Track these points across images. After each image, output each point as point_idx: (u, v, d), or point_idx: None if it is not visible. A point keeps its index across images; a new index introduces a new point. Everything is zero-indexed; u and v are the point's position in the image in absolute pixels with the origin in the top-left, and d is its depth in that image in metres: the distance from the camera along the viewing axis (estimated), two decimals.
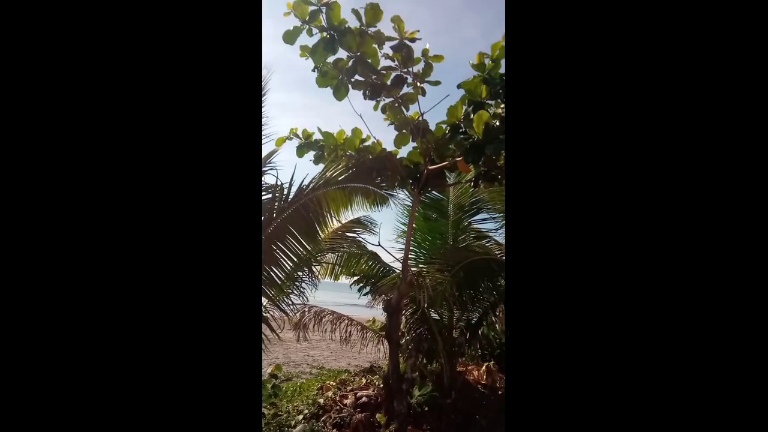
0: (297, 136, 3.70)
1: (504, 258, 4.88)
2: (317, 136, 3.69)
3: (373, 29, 2.62)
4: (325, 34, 2.60)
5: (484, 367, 4.93)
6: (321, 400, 3.97)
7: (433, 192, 4.48)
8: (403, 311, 4.09)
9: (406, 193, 4.25)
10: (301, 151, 3.73)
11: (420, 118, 3.28)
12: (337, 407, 4.01)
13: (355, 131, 3.62)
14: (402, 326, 4.28)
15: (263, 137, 3.39)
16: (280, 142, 3.58)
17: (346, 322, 4.31)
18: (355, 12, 2.54)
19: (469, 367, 5.05)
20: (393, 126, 3.38)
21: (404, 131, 3.39)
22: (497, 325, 4.90)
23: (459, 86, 2.97)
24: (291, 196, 3.32)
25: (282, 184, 3.34)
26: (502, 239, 5.40)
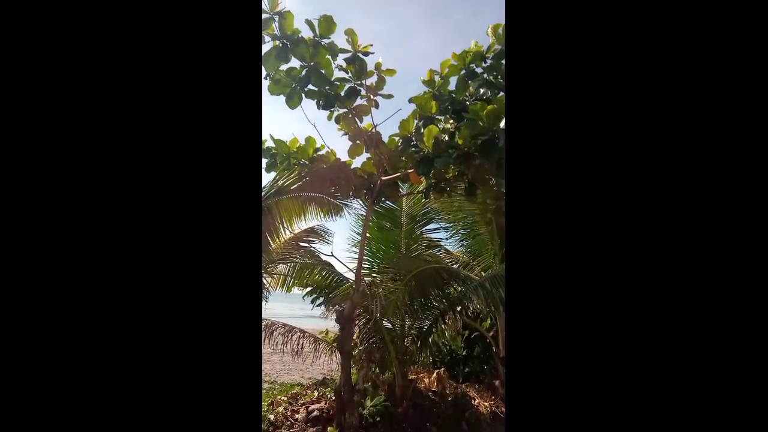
0: None
1: (453, 266, 5.04)
2: (269, 143, 3.63)
3: (326, 41, 2.64)
4: (277, 42, 2.59)
5: (435, 374, 5.02)
6: (271, 416, 3.83)
7: (387, 202, 4.54)
8: (356, 321, 4.07)
9: (360, 202, 4.27)
10: None
11: (373, 130, 3.33)
12: (288, 422, 3.89)
13: (309, 140, 3.60)
14: (355, 336, 4.26)
15: None
16: None
17: (298, 334, 4.22)
18: (309, 23, 2.55)
19: (420, 375, 5.11)
20: (347, 136, 3.40)
21: (358, 142, 3.42)
22: (446, 332, 5.01)
23: (410, 101, 3.07)
24: None
25: None
26: (452, 248, 5.57)
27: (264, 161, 3.68)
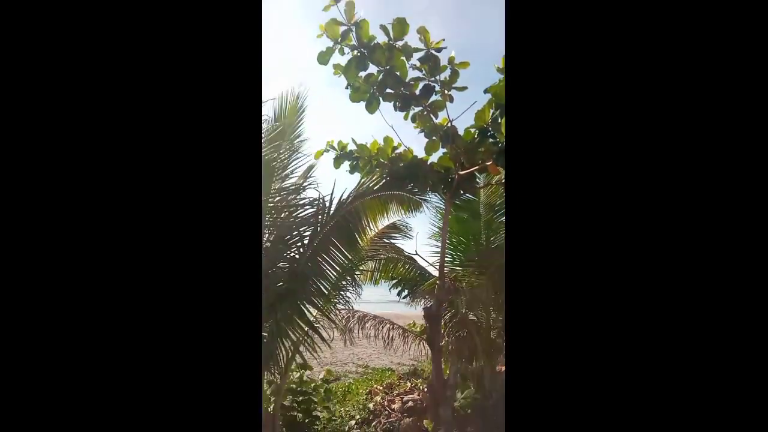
0: (333, 148, 3.86)
1: None
2: (351, 146, 3.84)
3: (400, 42, 2.73)
4: (356, 52, 2.74)
5: None
6: (370, 405, 4.07)
7: (465, 194, 4.53)
8: (443, 316, 4.14)
9: (439, 197, 4.32)
10: (337, 162, 3.89)
11: (449, 124, 3.36)
12: (386, 412, 4.10)
13: (387, 140, 3.73)
14: (442, 330, 4.33)
15: (303, 154, 3.57)
16: (319, 155, 3.76)
17: (389, 326, 4.41)
18: (383, 28, 2.66)
19: None
20: (423, 133, 3.47)
21: (434, 138, 3.47)
22: None
23: (486, 91, 3.04)
24: (332, 209, 3.47)
25: (323, 197, 3.51)
26: None
27: (347, 164, 3.90)
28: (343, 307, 3.85)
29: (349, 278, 3.59)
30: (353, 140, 3.72)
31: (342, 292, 3.63)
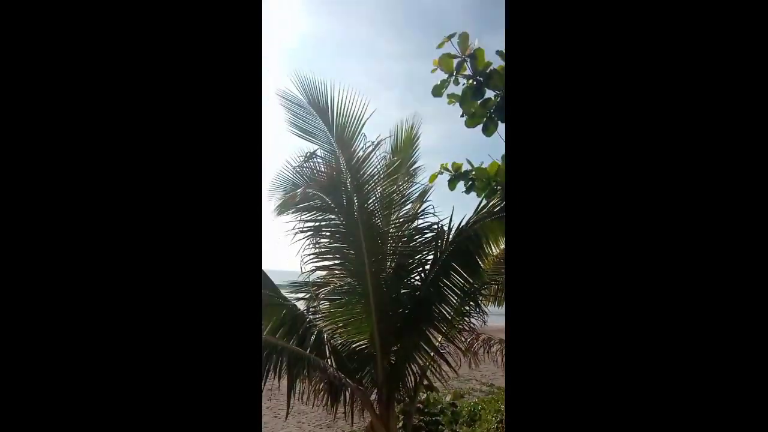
0: (447, 170, 3.81)
1: None
2: (466, 167, 3.73)
3: None
4: (471, 81, 2.64)
5: None
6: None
7: None
8: None
9: None
10: (452, 183, 3.83)
11: None
12: None
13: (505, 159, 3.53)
14: None
15: (418, 183, 3.62)
16: (433, 178, 3.75)
17: None
18: (500, 53, 2.50)
19: None
20: None
21: None
22: None
23: None
24: (451, 234, 3.43)
25: (441, 222, 3.49)
26: None
27: (461, 184, 3.80)
28: (467, 331, 3.79)
29: (472, 303, 3.50)
30: (468, 161, 3.61)
31: (466, 317, 3.57)
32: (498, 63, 2.58)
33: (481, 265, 3.63)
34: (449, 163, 3.78)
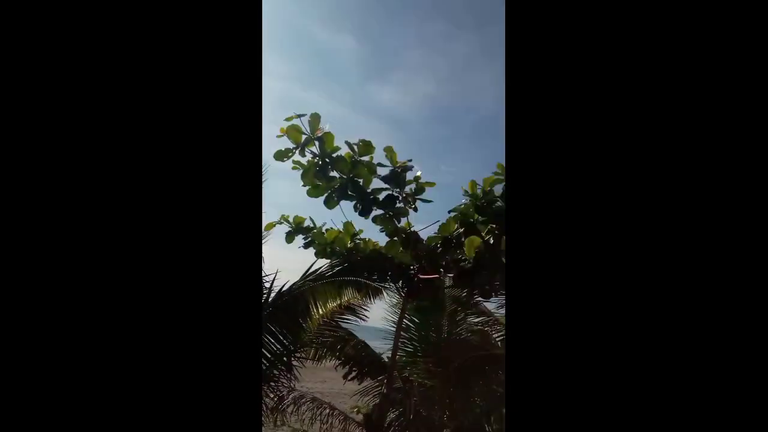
0: (287, 222, 3.69)
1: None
2: (308, 222, 3.68)
3: (365, 158, 2.63)
4: (317, 159, 2.62)
5: None
6: None
7: (423, 299, 4.38)
8: (388, 415, 3.92)
9: (396, 291, 4.16)
10: (290, 237, 3.72)
11: (411, 229, 3.23)
12: None
13: (347, 226, 3.59)
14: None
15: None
16: (270, 227, 3.58)
17: (328, 411, 4.18)
18: (349, 144, 2.55)
19: None
20: (384, 232, 3.34)
21: (395, 239, 3.34)
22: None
23: (450, 212, 2.93)
24: (283, 289, 3.29)
25: (269, 275, 3.33)
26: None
27: (301, 237, 3.71)
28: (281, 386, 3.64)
29: (282, 367, 3.40)
30: (311, 219, 3.57)
31: (275, 380, 3.43)
32: (346, 149, 2.63)
33: (304, 326, 3.57)
34: (291, 215, 3.69)
